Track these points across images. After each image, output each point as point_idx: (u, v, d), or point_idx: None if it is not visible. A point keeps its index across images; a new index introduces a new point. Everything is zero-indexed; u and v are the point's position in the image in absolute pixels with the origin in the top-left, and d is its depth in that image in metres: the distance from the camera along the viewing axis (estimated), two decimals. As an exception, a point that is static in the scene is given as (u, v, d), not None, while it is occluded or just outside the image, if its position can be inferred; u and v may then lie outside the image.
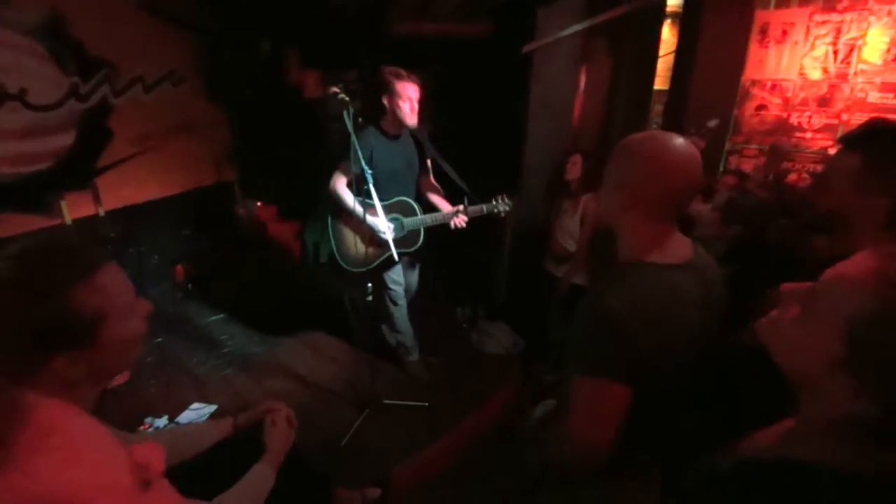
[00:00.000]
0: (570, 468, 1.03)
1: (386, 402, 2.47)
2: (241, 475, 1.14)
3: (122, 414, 2.32)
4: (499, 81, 3.68)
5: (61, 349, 0.67)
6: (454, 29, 3.68)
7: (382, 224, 2.31)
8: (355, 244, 2.49)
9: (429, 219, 2.40)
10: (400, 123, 2.33)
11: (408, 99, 2.26)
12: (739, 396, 1.31)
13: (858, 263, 0.55)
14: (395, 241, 2.33)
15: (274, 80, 3.79)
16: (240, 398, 2.52)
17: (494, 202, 2.41)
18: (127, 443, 1.04)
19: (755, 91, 2.62)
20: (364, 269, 2.50)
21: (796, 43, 2.48)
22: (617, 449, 0.97)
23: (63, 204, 2.82)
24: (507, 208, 2.43)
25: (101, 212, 3.05)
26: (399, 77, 2.25)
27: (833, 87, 2.44)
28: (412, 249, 2.47)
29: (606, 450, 0.91)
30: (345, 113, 2.12)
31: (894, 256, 0.53)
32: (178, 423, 2.29)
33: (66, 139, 2.90)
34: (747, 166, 2.74)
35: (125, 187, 3.28)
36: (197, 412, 2.37)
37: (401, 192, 2.44)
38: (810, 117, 2.53)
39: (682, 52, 2.91)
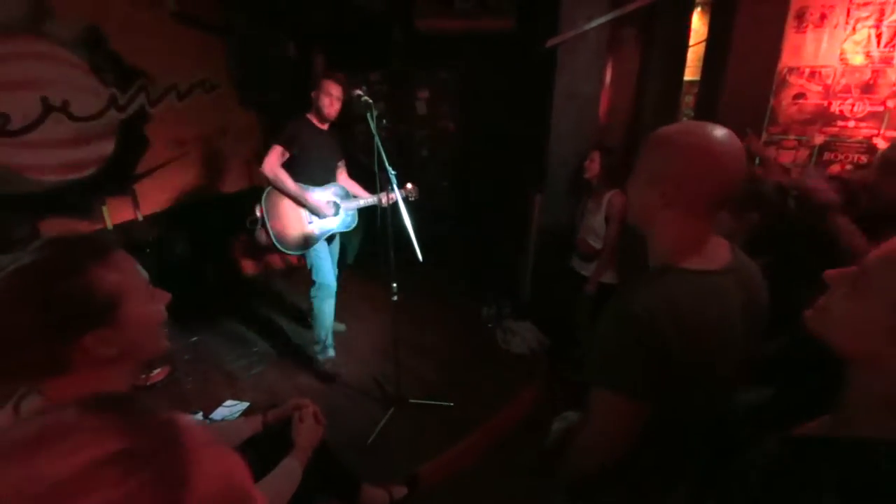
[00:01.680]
0: (580, 473, 1.00)
1: (412, 401, 2.49)
2: (271, 470, 1.17)
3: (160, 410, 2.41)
4: (524, 76, 3.65)
5: (87, 328, 0.72)
6: (478, 24, 3.67)
7: (324, 204, 2.56)
8: (290, 226, 2.59)
9: (361, 201, 2.67)
10: (323, 116, 2.51)
11: (329, 95, 2.45)
12: (785, 395, 1.26)
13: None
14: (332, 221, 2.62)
15: (301, 84, 3.88)
16: (271, 395, 2.59)
17: (407, 188, 2.73)
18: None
19: (792, 79, 2.49)
20: (301, 252, 2.66)
21: (836, 27, 2.35)
22: (646, 461, 0.93)
23: (105, 209, 2.96)
24: (416, 194, 2.76)
25: (140, 216, 3.19)
26: (328, 76, 2.48)
27: (877, 73, 2.30)
28: (349, 229, 2.75)
29: (616, 456, 0.88)
30: (368, 114, 2.16)
31: None
32: (211, 420, 2.37)
33: (107, 148, 3.04)
34: (785, 158, 2.62)
35: (162, 192, 3.42)
36: (230, 409, 2.45)
37: (329, 178, 2.67)
38: (853, 105, 2.39)
39: (713, 41, 2.80)
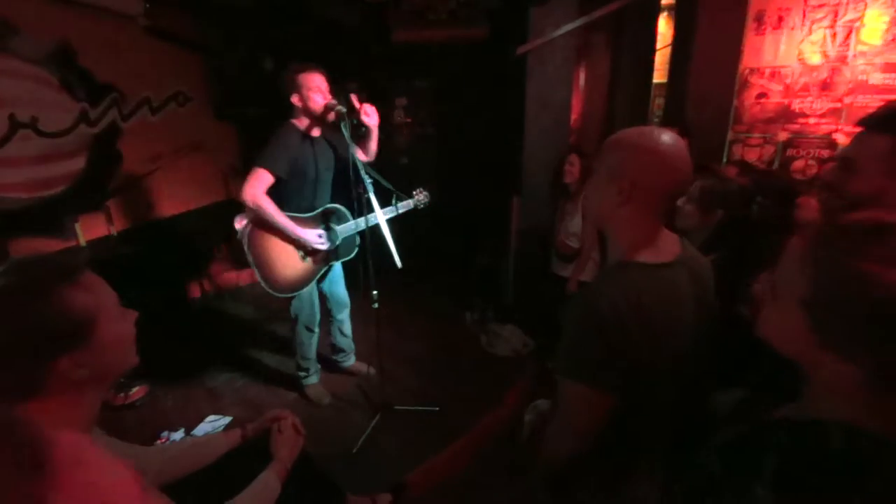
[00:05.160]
0: (552, 462, 1.03)
1: (397, 408, 2.49)
2: (249, 483, 1.16)
3: (141, 428, 2.37)
4: (499, 83, 3.71)
5: (61, 350, 0.71)
6: (451, 34, 3.71)
7: (315, 237, 2.22)
8: (283, 265, 2.24)
9: (362, 222, 2.20)
10: (318, 119, 2.19)
11: (318, 90, 2.12)
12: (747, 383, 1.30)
13: (792, 244, 0.61)
14: (330, 251, 2.32)
15: (276, 95, 3.87)
16: (254, 408, 2.56)
17: (415, 195, 2.50)
18: (139, 456, 1.08)
19: (754, 79, 2.59)
20: (296, 293, 2.31)
21: (793, 28, 2.45)
22: (616, 452, 0.97)
23: (77, 226, 2.90)
24: (427, 200, 2.53)
25: (114, 232, 3.13)
26: (303, 69, 2.14)
27: (834, 71, 2.41)
28: (349, 257, 2.42)
29: (583, 446, 0.92)
30: (342, 125, 2.15)
31: (815, 229, 0.59)
32: (193, 436, 2.33)
33: (78, 163, 2.99)
34: (751, 156, 2.71)
35: (136, 207, 3.37)
36: (212, 424, 2.41)
37: (325, 196, 2.33)
38: (812, 102, 2.49)
39: (678, 45, 2.89)
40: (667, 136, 0.90)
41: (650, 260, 0.91)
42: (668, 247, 0.95)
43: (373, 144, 2.39)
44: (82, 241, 2.93)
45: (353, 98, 2.25)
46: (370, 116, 2.28)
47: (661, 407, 0.97)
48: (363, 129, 2.31)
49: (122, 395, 2.54)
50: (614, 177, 0.92)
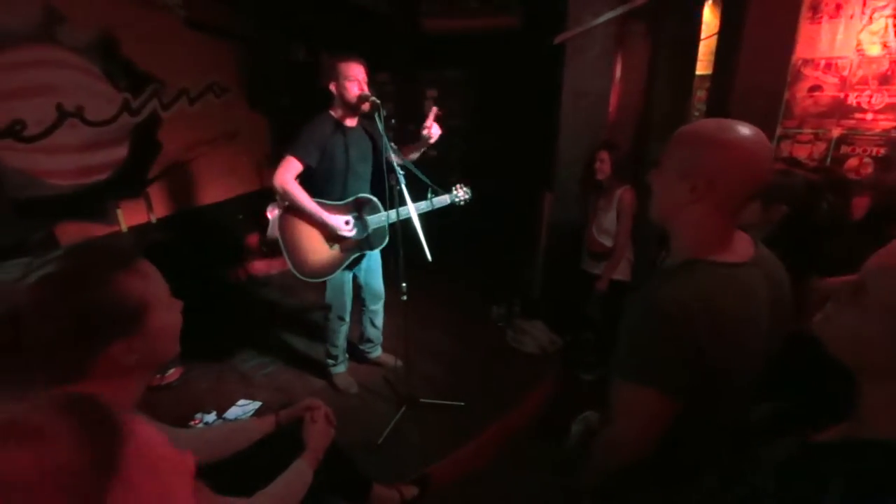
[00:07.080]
0: (606, 470, 0.99)
1: (423, 400, 2.49)
2: (282, 471, 1.18)
3: (175, 409, 2.45)
4: (532, 74, 3.64)
5: (115, 336, 0.72)
6: (484, 23, 3.65)
7: (342, 223, 2.24)
8: (311, 250, 2.29)
9: (394, 213, 2.20)
10: (352, 109, 2.21)
11: (355, 79, 2.14)
12: (803, 389, 1.24)
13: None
14: (359, 241, 2.33)
15: (309, 86, 3.90)
16: (283, 394, 2.61)
17: (454, 191, 2.45)
18: (177, 438, 1.10)
19: (807, 71, 2.44)
20: (322, 280, 2.36)
21: (852, 17, 2.29)
22: (677, 462, 0.92)
23: (119, 212, 3.01)
24: (468, 196, 2.47)
25: (153, 219, 3.24)
26: (342, 59, 2.16)
27: (895, 64, 2.25)
28: (379, 248, 2.41)
29: (645, 454, 0.87)
30: (376, 115, 2.14)
31: None
32: (225, 419, 2.40)
33: (121, 151, 3.09)
34: (801, 152, 2.57)
35: (175, 195, 3.47)
36: (243, 408, 2.47)
37: (358, 187, 2.32)
38: (871, 97, 2.33)
39: (725, 34, 2.75)
40: (748, 130, 0.81)
41: (723, 258, 0.84)
42: (741, 247, 0.88)
43: (418, 153, 2.44)
44: (123, 227, 3.03)
45: (433, 110, 2.26)
46: (433, 136, 2.29)
47: (725, 413, 0.90)
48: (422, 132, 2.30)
49: (158, 375, 2.63)
50: (688, 174, 0.84)
